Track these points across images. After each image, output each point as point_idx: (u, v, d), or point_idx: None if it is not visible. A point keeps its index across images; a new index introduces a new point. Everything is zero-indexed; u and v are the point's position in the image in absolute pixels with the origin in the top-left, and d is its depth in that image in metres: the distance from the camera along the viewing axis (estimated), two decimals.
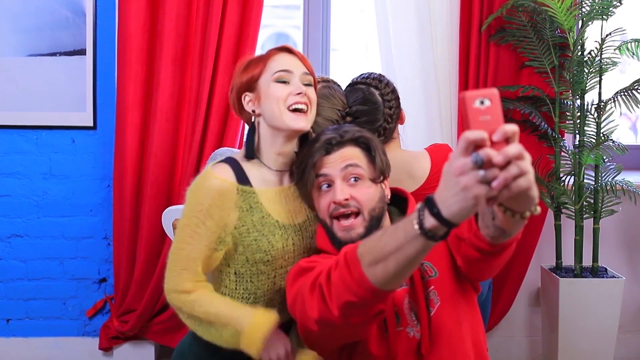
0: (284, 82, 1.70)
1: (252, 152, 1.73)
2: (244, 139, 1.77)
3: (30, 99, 2.88)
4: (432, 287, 1.56)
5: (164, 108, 2.73)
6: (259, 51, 2.97)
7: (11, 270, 2.96)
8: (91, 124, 2.91)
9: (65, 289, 2.98)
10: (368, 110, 2.18)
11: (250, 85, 1.73)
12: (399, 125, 2.28)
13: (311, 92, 1.72)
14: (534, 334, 3.15)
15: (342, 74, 2.92)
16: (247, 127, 1.78)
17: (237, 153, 1.79)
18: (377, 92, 2.20)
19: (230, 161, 1.72)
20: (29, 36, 2.86)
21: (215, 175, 1.68)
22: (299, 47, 3.18)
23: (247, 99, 1.73)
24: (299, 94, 1.68)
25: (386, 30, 2.85)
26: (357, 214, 1.60)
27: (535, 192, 1.06)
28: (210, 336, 1.68)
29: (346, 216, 1.60)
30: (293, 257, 1.73)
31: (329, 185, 1.62)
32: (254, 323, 1.63)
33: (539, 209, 1.15)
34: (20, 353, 2.97)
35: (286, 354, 1.62)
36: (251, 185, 1.71)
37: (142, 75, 2.74)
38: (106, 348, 2.94)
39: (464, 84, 2.87)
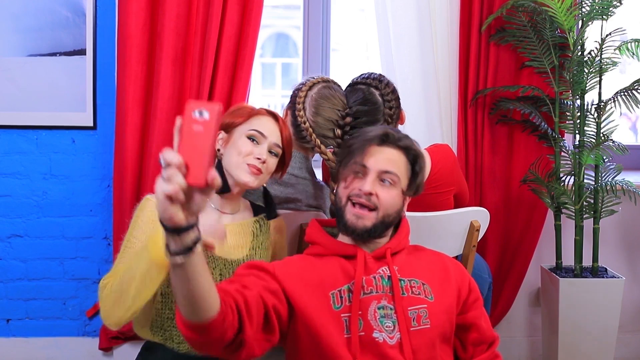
0: (254, 141, 1.83)
1: (227, 186, 1.84)
2: None
3: (30, 99, 2.88)
4: (425, 305, 1.63)
5: (164, 108, 2.73)
6: (258, 51, 2.98)
7: (11, 271, 2.96)
8: (91, 124, 2.91)
9: (65, 289, 2.98)
10: (368, 110, 2.18)
11: (227, 128, 1.86)
12: (399, 125, 2.28)
13: (272, 162, 1.86)
14: (534, 334, 3.15)
15: (342, 74, 2.92)
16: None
17: None
18: (377, 92, 2.21)
19: None
20: (29, 36, 2.85)
21: (149, 197, 1.83)
22: (299, 48, 3.18)
23: (219, 136, 1.86)
24: (259, 159, 1.81)
25: (386, 31, 2.85)
26: (373, 209, 1.67)
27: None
28: (134, 291, 1.63)
29: (362, 207, 1.67)
30: None
31: (361, 174, 1.70)
32: (152, 235, 1.64)
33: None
34: (20, 353, 2.97)
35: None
36: None
37: (142, 75, 2.74)
38: (106, 348, 2.94)
39: (464, 84, 2.87)
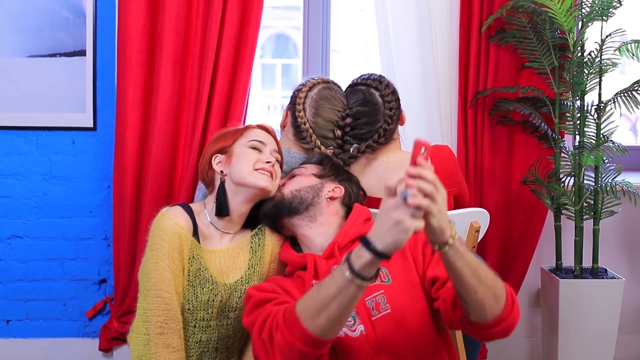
0: (257, 150, 1.86)
1: (227, 210, 1.85)
2: (215, 197, 1.89)
3: (30, 100, 2.88)
4: (382, 291, 1.64)
5: (164, 109, 2.73)
6: (258, 52, 2.98)
7: (11, 271, 2.96)
8: (91, 125, 2.91)
9: (65, 290, 2.98)
10: (368, 111, 2.18)
11: (223, 149, 1.89)
12: (399, 126, 2.28)
13: (278, 168, 1.90)
14: (534, 335, 3.15)
15: (342, 75, 2.92)
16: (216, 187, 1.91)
17: (193, 204, 1.92)
18: (377, 93, 2.21)
19: (186, 208, 1.86)
20: (29, 37, 2.86)
21: (170, 216, 1.80)
22: (299, 48, 3.18)
23: (217, 160, 1.89)
24: (268, 162, 1.84)
25: (386, 31, 2.85)
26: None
27: (437, 222, 1.27)
28: None
29: None
30: (216, 312, 1.84)
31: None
32: None
33: (449, 239, 1.33)
34: (20, 354, 2.97)
35: None
36: (198, 238, 1.83)
37: (142, 76, 2.74)
38: (106, 349, 2.94)
39: (464, 85, 2.87)
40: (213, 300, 1.82)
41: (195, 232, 1.83)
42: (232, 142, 1.89)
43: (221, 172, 1.87)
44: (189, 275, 1.80)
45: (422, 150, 1.26)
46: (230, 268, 1.87)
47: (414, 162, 1.25)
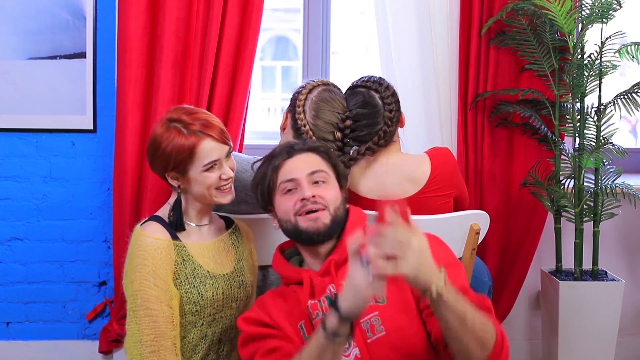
0: (213, 168, 1.82)
1: (181, 225, 1.86)
2: (170, 208, 1.88)
3: (30, 102, 2.88)
4: (377, 312, 1.59)
5: (164, 111, 2.71)
6: (258, 54, 2.98)
7: (11, 274, 2.95)
8: (91, 127, 2.91)
9: (65, 292, 2.98)
10: (368, 113, 2.19)
11: (179, 170, 1.82)
12: (399, 128, 2.28)
13: (231, 162, 1.88)
14: (534, 337, 3.15)
15: (342, 77, 2.92)
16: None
17: (160, 211, 1.91)
18: (377, 95, 2.21)
19: (157, 219, 1.85)
20: (29, 39, 2.86)
21: (148, 234, 1.79)
22: (299, 51, 3.18)
23: (172, 177, 1.85)
24: (227, 179, 1.84)
25: (386, 34, 2.85)
26: (323, 209, 1.67)
27: (419, 278, 1.29)
28: None
29: (312, 212, 1.66)
30: (221, 305, 1.86)
31: (293, 189, 1.69)
32: None
33: (433, 293, 1.32)
34: (20, 356, 2.97)
35: None
36: (180, 240, 1.83)
37: (142, 79, 2.74)
38: (106, 351, 2.94)
39: (464, 87, 2.87)
40: (216, 294, 1.84)
41: (176, 236, 1.84)
42: (187, 165, 1.81)
43: (179, 186, 1.86)
44: (187, 278, 1.81)
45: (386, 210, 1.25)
46: (224, 259, 1.91)
47: (380, 220, 1.26)
